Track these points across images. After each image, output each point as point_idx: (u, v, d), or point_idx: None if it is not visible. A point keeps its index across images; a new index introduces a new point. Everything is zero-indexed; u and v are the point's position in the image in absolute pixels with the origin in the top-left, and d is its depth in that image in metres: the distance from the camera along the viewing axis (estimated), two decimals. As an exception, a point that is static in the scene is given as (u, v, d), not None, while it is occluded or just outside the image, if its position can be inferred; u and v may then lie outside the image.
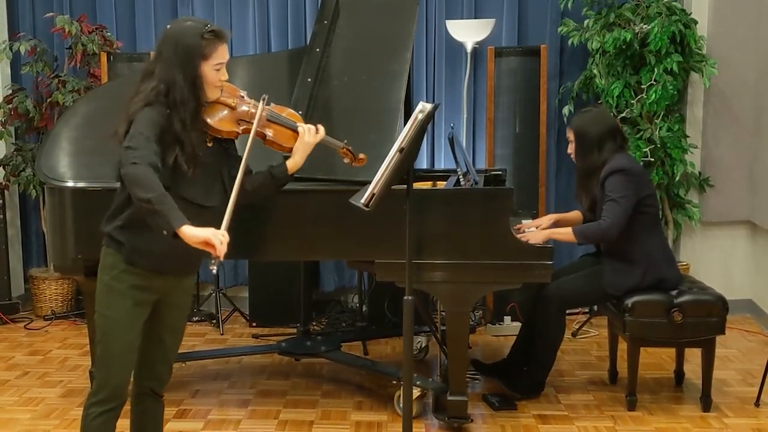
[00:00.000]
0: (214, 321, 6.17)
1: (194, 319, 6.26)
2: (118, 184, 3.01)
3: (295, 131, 3.36)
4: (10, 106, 6.24)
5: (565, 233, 4.41)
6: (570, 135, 4.54)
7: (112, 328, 3.00)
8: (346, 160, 3.60)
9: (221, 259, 2.77)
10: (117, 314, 2.99)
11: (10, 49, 6.28)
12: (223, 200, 3.11)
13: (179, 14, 6.47)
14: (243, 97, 3.21)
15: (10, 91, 6.38)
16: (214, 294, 6.31)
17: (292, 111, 3.44)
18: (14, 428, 4.30)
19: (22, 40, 6.24)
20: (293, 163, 3.38)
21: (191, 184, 3.00)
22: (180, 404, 4.58)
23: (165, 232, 2.72)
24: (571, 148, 4.56)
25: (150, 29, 6.49)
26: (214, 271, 2.83)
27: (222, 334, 5.97)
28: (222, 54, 3.02)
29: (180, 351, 5.29)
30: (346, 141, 3.59)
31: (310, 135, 3.37)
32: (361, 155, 3.59)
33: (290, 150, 3.38)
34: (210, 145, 3.14)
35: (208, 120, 3.09)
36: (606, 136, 4.42)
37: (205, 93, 3.03)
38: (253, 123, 3.17)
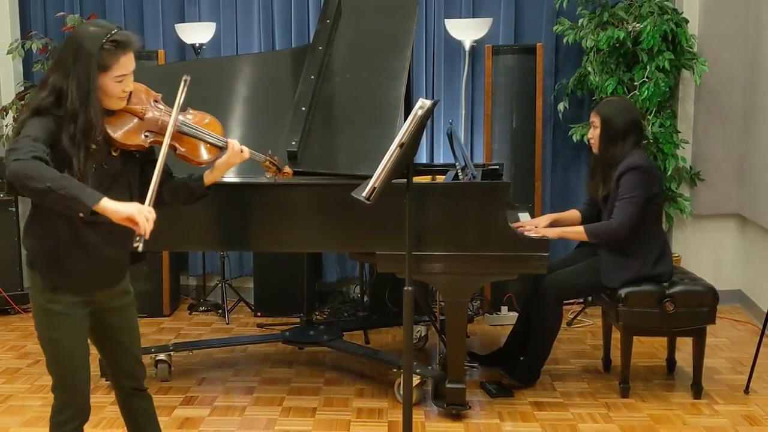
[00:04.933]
0: (220, 311, 6.16)
1: (200, 309, 6.27)
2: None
3: (220, 148, 2.96)
4: (23, 102, 6.22)
5: (577, 232, 4.40)
6: (596, 120, 4.41)
7: (63, 349, 2.80)
8: (268, 175, 3.25)
9: (146, 237, 2.52)
10: (64, 334, 2.79)
11: (23, 47, 6.28)
12: None
13: (186, 13, 6.46)
14: (156, 101, 2.86)
15: (23, 88, 6.37)
16: (219, 285, 6.31)
17: (213, 119, 3.02)
18: (26, 415, 4.30)
19: (34, 38, 6.24)
20: (211, 178, 3.01)
21: None
22: (187, 391, 4.57)
23: (81, 215, 2.50)
24: (592, 134, 4.46)
25: (158, 28, 6.47)
26: (140, 249, 2.53)
27: (227, 324, 5.96)
28: (125, 65, 2.68)
29: (187, 340, 5.35)
30: (270, 152, 3.25)
31: (235, 154, 2.98)
32: (287, 169, 3.27)
33: (202, 164, 2.97)
34: (115, 154, 2.80)
35: (110, 132, 2.73)
36: (631, 128, 4.36)
37: (100, 105, 2.68)
38: (162, 134, 2.79)
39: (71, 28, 6.06)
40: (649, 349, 5.18)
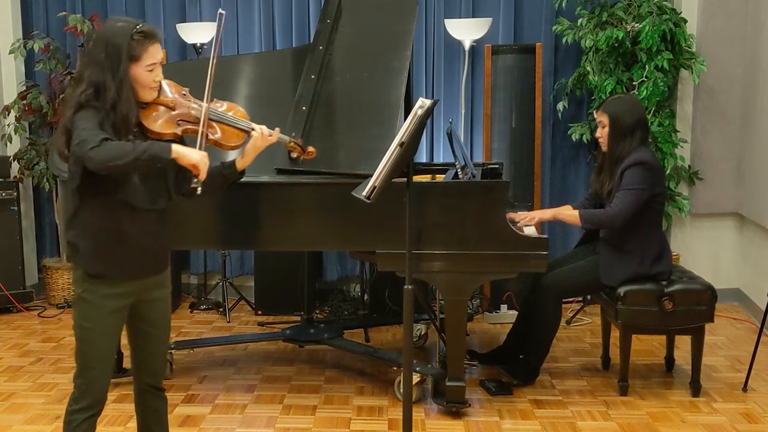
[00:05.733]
0: (221, 309, 6.16)
1: (202, 307, 6.27)
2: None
3: (247, 132, 3.09)
4: (25, 101, 6.22)
5: (572, 216, 4.40)
6: (603, 119, 4.42)
7: (91, 338, 2.91)
8: (294, 155, 3.41)
9: (202, 180, 2.82)
10: (93, 324, 2.90)
11: (25, 47, 6.29)
12: (168, 203, 2.99)
13: (188, 13, 6.46)
14: (185, 94, 3.01)
15: (25, 88, 6.36)
16: (221, 283, 6.31)
17: (240, 108, 3.16)
18: (28, 412, 4.29)
19: (36, 38, 6.25)
20: (242, 163, 3.14)
21: (134, 188, 2.84)
22: (188, 389, 4.57)
23: (159, 165, 2.78)
24: (600, 133, 4.45)
25: (159, 28, 6.40)
26: (198, 191, 2.90)
27: (228, 322, 5.95)
28: (153, 54, 2.84)
29: (188, 338, 5.35)
30: (294, 134, 3.43)
31: (263, 139, 3.10)
32: (310, 148, 3.38)
33: (233, 149, 3.15)
34: None
35: (145, 123, 2.89)
36: (638, 124, 4.35)
37: (137, 95, 2.85)
38: (194, 123, 2.97)
39: (72, 28, 6.08)
40: (647, 347, 5.18)
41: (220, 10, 3.08)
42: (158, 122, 2.92)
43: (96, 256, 2.87)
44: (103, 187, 2.80)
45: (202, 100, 2.99)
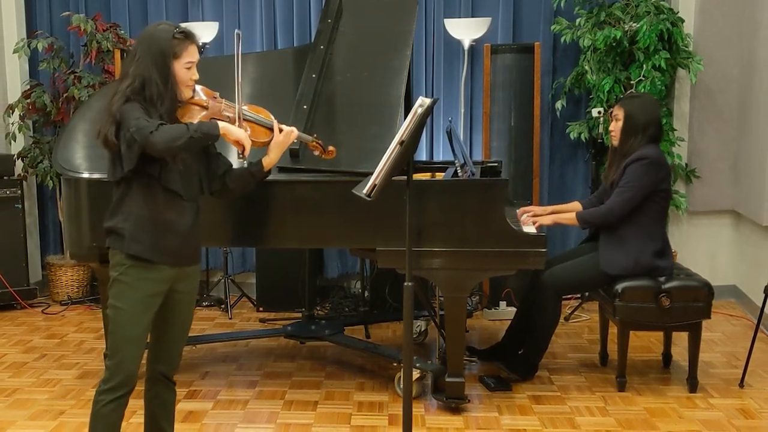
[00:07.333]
0: (223, 306, 6.16)
1: (204, 304, 6.27)
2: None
3: (271, 129, 3.33)
4: (29, 100, 6.22)
5: (569, 218, 4.48)
6: (619, 114, 4.42)
7: (122, 319, 3.00)
8: (316, 153, 3.65)
9: (246, 155, 3.14)
10: (126, 305, 3.00)
11: (29, 46, 6.29)
12: (199, 197, 3.18)
13: (190, 13, 6.46)
14: (216, 97, 3.20)
15: (29, 87, 6.36)
16: (222, 280, 6.31)
17: (266, 111, 3.40)
18: (32, 408, 4.29)
19: (40, 37, 6.25)
20: (269, 161, 3.36)
21: (174, 176, 3.01)
22: (190, 385, 4.56)
23: (209, 142, 3.06)
24: (614, 127, 4.45)
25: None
26: (245, 164, 3.31)
27: (230, 319, 5.96)
28: (192, 53, 3.03)
29: (190, 335, 5.30)
30: (315, 135, 3.63)
31: (285, 135, 3.34)
32: (331, 147, 3.64)
33: (263, 145, 3.34)
34: None
35: (182, 121, 3.06)
36: (651, 123, 4.36)
37: (179, 90, 3.04)
38: (226, 120, 3.17)
39: (76, 28, 6.09)
40: (645, 343, 5.18)
41: (237, 31, 3.27)
42: (193, 121, 3.07)
43: (137, 237, 2.99)
44: (147, 174, 2.96)
45: (231, 101, 3.22)
